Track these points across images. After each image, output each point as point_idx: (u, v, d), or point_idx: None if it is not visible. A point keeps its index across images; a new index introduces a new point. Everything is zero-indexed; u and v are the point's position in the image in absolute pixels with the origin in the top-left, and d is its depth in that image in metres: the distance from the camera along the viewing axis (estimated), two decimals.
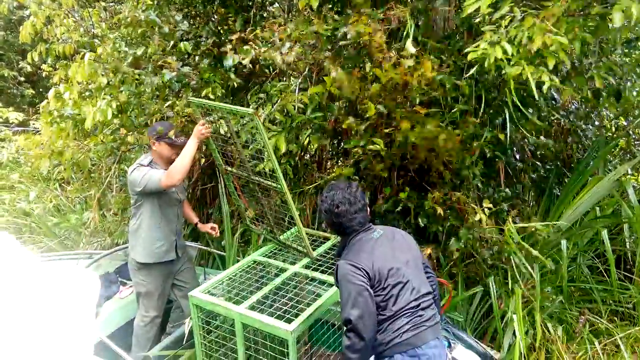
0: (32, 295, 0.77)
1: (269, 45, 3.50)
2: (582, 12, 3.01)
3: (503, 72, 2.90)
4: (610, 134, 5.28)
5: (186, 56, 4.10)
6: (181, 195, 3.67)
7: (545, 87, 2.80)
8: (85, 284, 0.87)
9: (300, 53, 3.44)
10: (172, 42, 4.03)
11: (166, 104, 3.79)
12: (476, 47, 2.90)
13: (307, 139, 3.60)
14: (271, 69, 4.31)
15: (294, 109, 3.49)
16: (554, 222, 3.91)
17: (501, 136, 3.63)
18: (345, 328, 2.24)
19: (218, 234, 3.84)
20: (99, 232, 5.11)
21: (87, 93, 4.12)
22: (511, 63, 2.83)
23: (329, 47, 3.61)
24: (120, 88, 3.87)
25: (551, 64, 2.78)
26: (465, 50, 2.93)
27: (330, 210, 2.46)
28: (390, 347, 2.26)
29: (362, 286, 2.21)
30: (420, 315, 2.29)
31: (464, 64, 3.48)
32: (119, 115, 3.97)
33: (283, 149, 3.47)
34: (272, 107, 3.45)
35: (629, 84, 5.40)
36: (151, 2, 4.86)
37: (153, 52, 3.85)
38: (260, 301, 2.78)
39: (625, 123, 5.35)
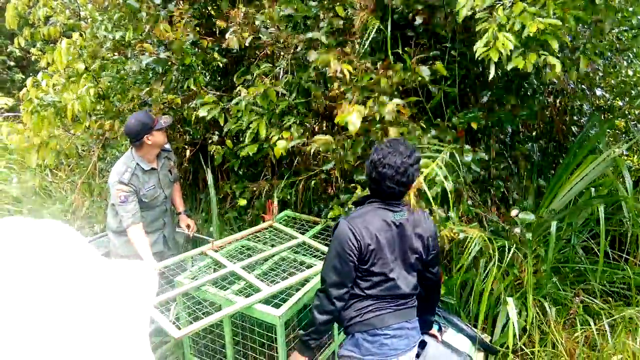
0: (96, 291, 0.73)
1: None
2: None
3: (509, 66, 2.83)
4: (606, 115, 5.21)
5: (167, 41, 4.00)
6: (167, 191, 3.62)
7: (558, 70, 2.73)
8: (145, 280, 0.85)
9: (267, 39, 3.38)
10: (150, 26, 3.93)
11: (143, 91, 3.71)
12: (485, 45, 2.80)
13: (289, 125, 3.51)
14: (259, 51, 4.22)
15: (277, 94, 3.42)
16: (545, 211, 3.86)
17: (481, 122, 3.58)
18: (320, 287, 2.26)
19: (191, 235, 3.80)
20: (90, 218, 5.05)
21: (67, 79, 4.02)
22: (514, 54, 2.77)
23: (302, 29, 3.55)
24: (101, 74, 3.78)
25: (554, 45, 2.71)
26: (476, 47, 2.82)
27: (376, 165, 2.22)
28: (351, 325, 2.26)
29: (351, 257, 2.18)
30: (387, 302, 2.27)
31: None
32: (102, 102, 3.88)
33: (263, 134, 3.42)
34: (253, 91, 3.37)
35: (625, 63, 5.34)
36: None
37: (130, 37, 3.74)
38: (249, 286, 2.74)
39: (621, 104, 5.27)
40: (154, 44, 3.76)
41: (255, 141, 3.51)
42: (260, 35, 3.50)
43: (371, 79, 3.48)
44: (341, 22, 3.60)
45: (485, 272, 3.47)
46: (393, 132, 3.44)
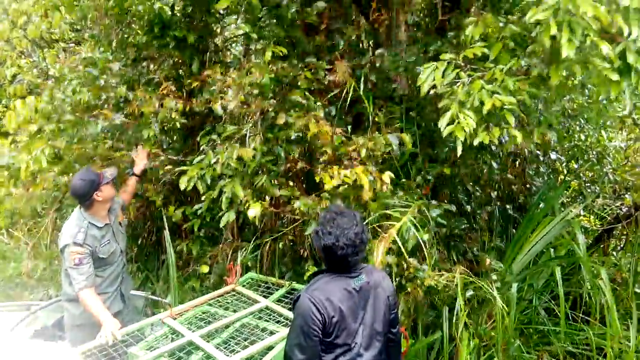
0: None
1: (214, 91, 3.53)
2: (525, 73, 3.15)
3: (475, 141, 2.97)
4: (562, 177, 5.45)
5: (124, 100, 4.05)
6: (122, 244, 3.55)
7: (518, 141, 2.94)
8: None
9: (243, 101, 3.47)
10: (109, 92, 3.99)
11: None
12: (451, 122, 2.95)
13: (261, 184, 3.54)
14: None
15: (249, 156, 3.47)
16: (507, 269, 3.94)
17: (446, 170, 3.71)
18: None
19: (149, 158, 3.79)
20: (45, 281, 4.85)
21: (30, 138, 3.98)
22: (479, 130, 2.92)
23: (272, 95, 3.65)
24: (59, 134, 3.77)
25: (512, 121, 2.88)
26: (442, 128, 2.96)
27: (332, 248, 2.19)
28: None
29: (315, 332, 2.13)
30: None
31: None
32: (59, 162, 3.84)
33: (241, 195, 3.42)
34: (225, 153, 3.40)
35: (577, 127, 5.66)
36: (108, 46, 4.85)
37: (85, 100, 3.77)
38: (207, 357, 2.64)
39: (576, 166, 5.54)
40: (113, 107, 3.79)
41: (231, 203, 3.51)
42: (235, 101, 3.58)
43: (342, 142, 3.61)
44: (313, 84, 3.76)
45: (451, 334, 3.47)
46: (365, 194, 3.51)
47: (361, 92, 3.88)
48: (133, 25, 4.62)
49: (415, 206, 3.54)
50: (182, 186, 3.46)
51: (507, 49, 3.05)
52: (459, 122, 2.85)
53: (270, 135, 3.57)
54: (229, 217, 3.43)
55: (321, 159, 3.55)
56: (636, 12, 2.48)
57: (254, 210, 3.40)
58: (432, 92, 3.13)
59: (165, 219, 3.98)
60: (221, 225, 3.40)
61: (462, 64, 3.11)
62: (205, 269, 3.68)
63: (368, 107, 3.88)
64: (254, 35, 3.51)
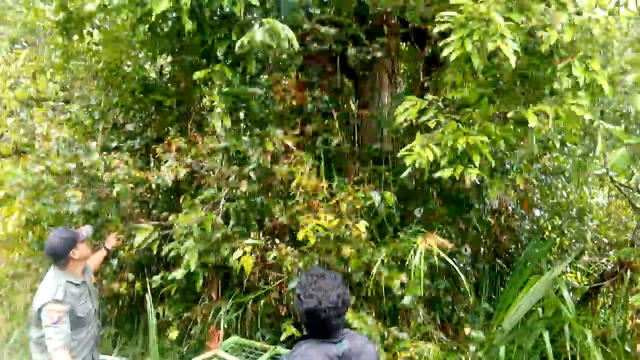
0: None
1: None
2: (501, 117, 3.25)
3: (437, 174, 3.04)
4: (547, 233, 5.47)
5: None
6: (96, 304, 3.46)
7: (473, 177, 2.94)
8: None
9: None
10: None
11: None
12: (409, 150, 3.04)
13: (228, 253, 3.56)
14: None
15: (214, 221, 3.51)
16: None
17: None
18: None
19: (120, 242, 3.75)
20: (21, 347, 4.64)
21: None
22: (441, 164, 2.99)
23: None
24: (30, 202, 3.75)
25: (477, 160, 2.94)
26: (400, 154, 3.05)
27: (314, 312, 2.16)
28: None
29: None
30: None
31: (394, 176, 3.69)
32: (33, 227, 3.79)
33: (192, 265, 3.44)
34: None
35: (560, 184, 5.75)
36: (96, 106, 4.93)
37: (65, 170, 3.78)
38: None
39: (560, 222, 5.57)
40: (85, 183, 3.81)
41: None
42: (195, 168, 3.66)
43: (327, 199, 3.65)
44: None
45: None
46: (346, 250, 3.52)
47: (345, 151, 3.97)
48: (123, 86, 4.73)
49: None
50: (170, 253, 3.46)
51: (485, 95, 3.16)
52: (416, 152, 2.96)
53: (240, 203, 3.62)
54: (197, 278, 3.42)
55: (296, 209, 3.57)
56: None
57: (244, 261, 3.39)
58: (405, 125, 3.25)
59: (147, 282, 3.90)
60: (197, 289, 3.35)
61: (442, 106, 3.22)
62: (174, 333, 3.57)
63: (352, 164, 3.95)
64: (222, 105, 3.60)
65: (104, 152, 4.19)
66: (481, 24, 2.68)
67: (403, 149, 3.10)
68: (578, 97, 2.73)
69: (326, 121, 4.47)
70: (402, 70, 6.32)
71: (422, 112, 3.19)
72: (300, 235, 3.32)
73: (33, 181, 3.69)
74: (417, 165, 2.98)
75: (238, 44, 3.42)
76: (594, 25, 2.66)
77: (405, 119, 3.23)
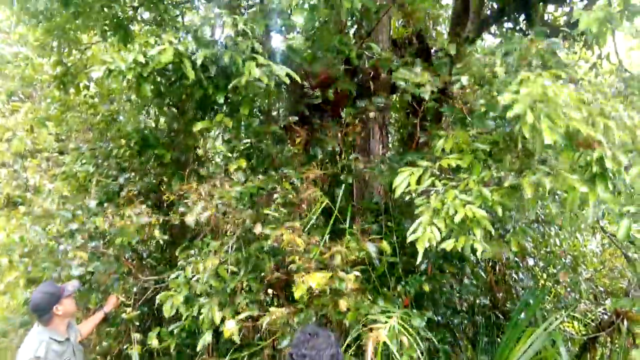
0: None
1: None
2: (496, 184, 3.28)
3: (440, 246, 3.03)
4: (542, 282, 5.44)
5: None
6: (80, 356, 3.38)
7: (479, 254, 2.92)
8: None
9: (214, 213, 3.52)
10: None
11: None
12: (414, 230, 3.04)
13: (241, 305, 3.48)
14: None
15: (227, 271, 3.44)
16: None
17: (426, 288, 3.68)
18: None
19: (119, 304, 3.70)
20: None
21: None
22: (443, 234, 2.98)
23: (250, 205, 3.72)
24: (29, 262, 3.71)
25: (478, 233, 2.94)
26: (409, 235, 3.05)
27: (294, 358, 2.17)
28: None
29: None
30: None
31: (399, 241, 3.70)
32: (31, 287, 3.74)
33: (217, 320, 3.35)
34: (206, 272, 3.36)
35: (552, 232, 5.77)
36: (91, 158, 4.95)
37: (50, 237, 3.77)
38: None
39: (554, 270, 5.56)
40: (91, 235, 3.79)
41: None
42: (216, 212, 3.63)
43: (322, 253, 3.63)
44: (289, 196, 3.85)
45: None
46: (343, 304, 3.46)
47: (338, 203, 3.98)
48: (120, 140, 4.77)
49: (396, 315, 3.48)
50: (166, 314, 3.40)
51: (479, 160, 3.20)
52: (424, 232, 2.93)
53: (251, 250, 3.58)
54: (204, 340, 3.33)
55: (291, 267, 3.54)
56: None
57: (231, 324, 3.30)
58: (407, 198, 3.23)
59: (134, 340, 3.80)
60: (198, 349, 3.26)
61: (438, 173, 3.25)
62: None
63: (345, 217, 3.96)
64: (228, 154, 3.63)
65: (101, 204, 4.18)
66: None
67: (410, 231, 3.08)
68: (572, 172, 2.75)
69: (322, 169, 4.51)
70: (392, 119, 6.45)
71: (418, 180, 3.22)
72: (296, 295, 3.28)
73: (31, 246, 3.65)
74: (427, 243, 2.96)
75: (234, 82, 3.48)
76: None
77: (404, 191, 3.25)
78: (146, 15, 5.80)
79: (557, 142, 2.64)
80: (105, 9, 4.87)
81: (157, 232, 3.70)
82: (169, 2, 5.73)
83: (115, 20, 4.94)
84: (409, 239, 2.97)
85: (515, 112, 2.69)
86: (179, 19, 5.40)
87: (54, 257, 3.64)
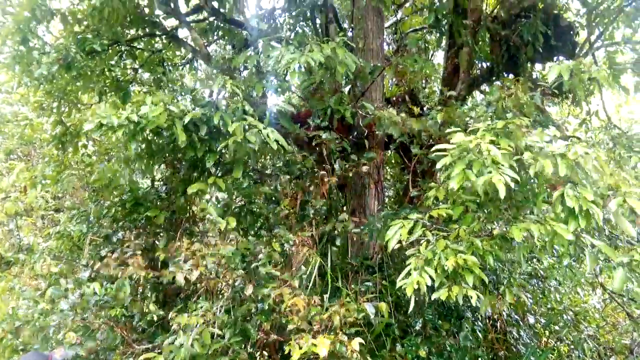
0: None
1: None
2: (487, 234, 3.28)
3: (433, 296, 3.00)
4: (544, 340, 5.30)
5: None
6: None
7: (474, 301, 2.90)
8: None
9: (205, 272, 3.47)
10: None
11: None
12: (406, 275, 3.03)
13: None
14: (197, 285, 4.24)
15: (212, 336, 3.35)
16: None
17: (422, 353, 3.60)
18: None
19: None
20: None
21: None
22: (436, 285, 2.96)
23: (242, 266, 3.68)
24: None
25: (470, 280, 2.91)
26: (399, 281, 3.04)
27: None
28: None
29: None
30: None
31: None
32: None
33: None
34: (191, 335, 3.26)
35: (552, 288, 5.68)
36: (84, 215, 4.93)
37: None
38: None
39: (557, 327, 5.42)
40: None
41: None
42: (207, 272, 3.57)
43: (320, 313, 3.55)
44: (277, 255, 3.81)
45: None
46: None
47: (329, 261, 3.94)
48: (114, 200, 4.77)
49: None
50: None
51: (469, 210, 3.21)
52: (413, 278, 2.92)
53: (239, 312, 3.50)
54: None
55: (289, 327, 3.45)
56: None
57: None
58: (401, 253, 3.22)
59: None
60: None
61: (429, 224, 3.25)
62: None
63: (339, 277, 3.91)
64: (220, 220, 3.62)
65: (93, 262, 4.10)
66: (477, 155, 2.82)
67: (400, 277, 3.06)
68: (560, 220, 2.78)
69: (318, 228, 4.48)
70: (388, 175, 6.50)
71: (410, 231, 3.23)
72: (294, 353, 3.18)
73: (21, 323, 3.55)
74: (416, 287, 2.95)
75: (224, 144, 3.51)
76: (585, 158, 2.75)
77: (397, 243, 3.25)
78: (146, 75, 5.97)
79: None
80: (107, 72, 5.01)
81: (152, 307, 3.61)
82: (168, 64, 5.92)
83: (115, 82, 5.07)
84: (398, 284, 2.95)
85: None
86: (178, 80, 5.55)
87: (44, 333, 3.51)
